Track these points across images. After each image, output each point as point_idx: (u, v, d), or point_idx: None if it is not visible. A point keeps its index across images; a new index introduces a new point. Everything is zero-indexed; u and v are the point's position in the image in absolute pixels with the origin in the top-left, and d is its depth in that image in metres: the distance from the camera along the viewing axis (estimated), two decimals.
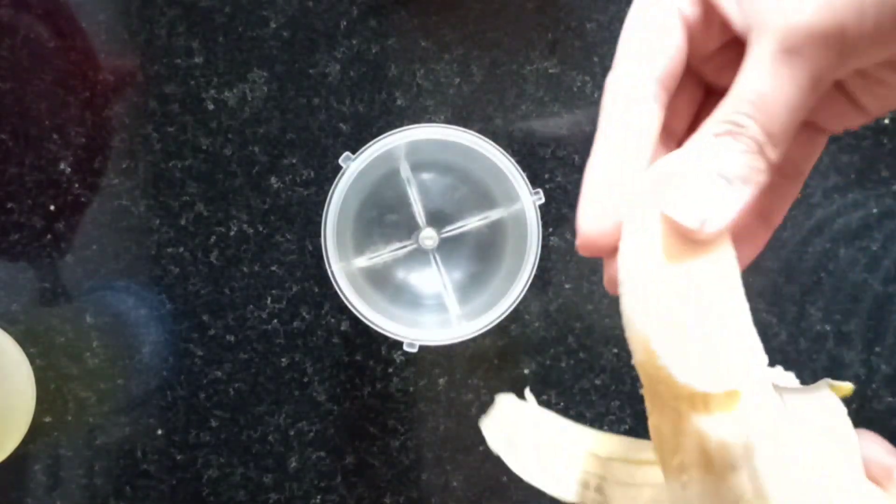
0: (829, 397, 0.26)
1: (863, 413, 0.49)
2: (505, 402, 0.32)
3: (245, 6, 0.48)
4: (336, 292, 0.42)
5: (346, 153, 0.42)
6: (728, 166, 0.23)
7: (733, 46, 0.26)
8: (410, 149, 0.44)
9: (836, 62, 0.23)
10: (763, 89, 0.23)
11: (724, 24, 0.25)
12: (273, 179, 0.48)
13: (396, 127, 0.44)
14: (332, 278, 0.42)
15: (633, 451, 0.29)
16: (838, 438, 0.25)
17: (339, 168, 0.42)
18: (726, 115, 0.24)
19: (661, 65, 0.25)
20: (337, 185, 0.42)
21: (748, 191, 0.23)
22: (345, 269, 0.43)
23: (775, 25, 0.23)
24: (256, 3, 0.48)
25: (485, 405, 0.48)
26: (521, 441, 0.31)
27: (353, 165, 0.42)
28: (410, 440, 0.48)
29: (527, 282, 0.42)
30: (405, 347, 0.42)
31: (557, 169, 0.49)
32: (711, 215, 0.23)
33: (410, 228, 0.46)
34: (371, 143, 0.42)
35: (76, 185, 0.48)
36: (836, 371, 0.48)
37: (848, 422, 0.25)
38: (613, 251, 0.25)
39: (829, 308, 0.49)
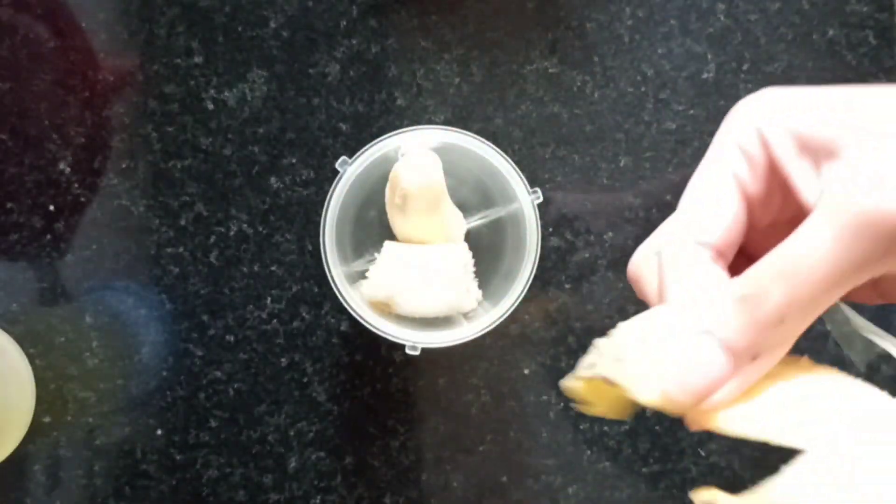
0: None
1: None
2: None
3: (245, 6, 0.48)
4: (336, 293, 0.42)
5: (343, 157, 0.42)
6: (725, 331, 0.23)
7: (781, 226, 0.26)
8: (407, 150, 0.44)
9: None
10: (809, 255, 0.22)
11: (783, 202, 0.25)
12: (273, 179, 0.48)
13: (397, 127, 0.44)
14: (332, 283, 0.42)
15: None
16: None
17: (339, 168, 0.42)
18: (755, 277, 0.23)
19: (720, 235, 0.26)
20: (334, 190, 0.42)
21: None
22: (345, 272, 0.43)
23: (857, 203, 0.22)
24: (256, 3, 0.48)
25: (485, 405, 0.48)
26: None
27: (350, 170, 0.42)
28: (410, 440, 0.48)
29: (527, 282, 0.42)
30: (407, 350, 0.42)
31: (557, 169, 0.49)
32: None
33: None
34: (368, 146, 0.42)
35: (76, 185, 0.48)
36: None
37: None
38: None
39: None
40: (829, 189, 0.22)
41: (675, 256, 0.26)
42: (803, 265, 0.22)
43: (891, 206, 0.21)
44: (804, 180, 0.24)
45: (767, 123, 0.25)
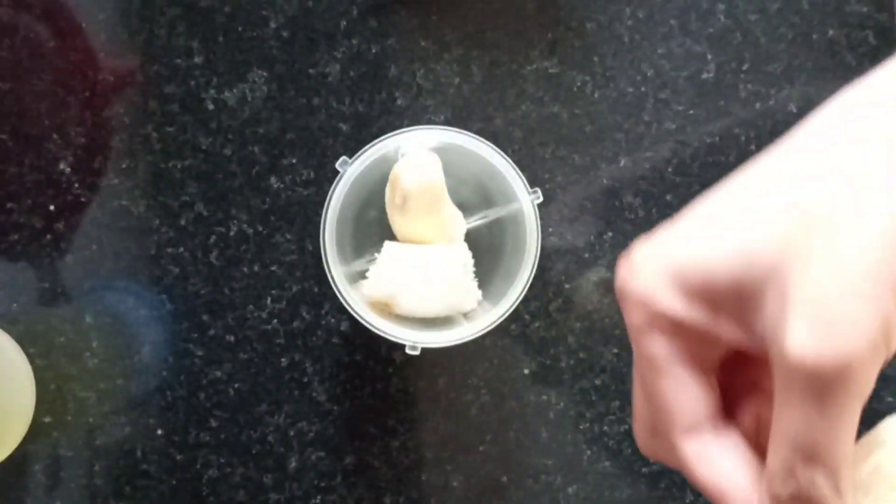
0: None
1: (862, 413, 0.48)
2: None
3: (245, 6, 0.48)
4: (336, 293, 0.42)
5: (343, 157, 0.42)
6: None
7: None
8: (407, 151, 0.44)
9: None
10: (805, 429, 0.21)
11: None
12: (273, 179, 0.48)
13: (397, 127, 0.44)
14: (332, 283, 0.42)
15: None
16: None
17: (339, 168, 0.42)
18: (781, 469, 0.21)
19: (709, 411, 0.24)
20: (334, 190, 0.42)
21: None
22: (345, 272, 0.43)
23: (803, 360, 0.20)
24: (256, 3, 0.48)
25: (485, 405, 0.48)
26: None
27: (350, 170, 0.42)
28: (410, 440, 0.48)
29: (527, 282, 0.42)
30: (408, 350, 0.42)
31: (557, 169, 0.49)
32: None
33: None
34: (368, 146, 0.42)
35: (76, 185, 0.48)
36: None
37: None
38: None
39: None
40: (777, 350, 0.21)
41: (693, 454, 0.24)
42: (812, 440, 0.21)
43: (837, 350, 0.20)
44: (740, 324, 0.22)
45: (660, 301, 0.23)
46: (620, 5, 0.49)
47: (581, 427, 0.48)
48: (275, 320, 0.48)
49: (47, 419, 0.47)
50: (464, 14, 0.49)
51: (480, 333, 0.42)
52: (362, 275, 0.44)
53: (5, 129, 0.48)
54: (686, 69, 0.49)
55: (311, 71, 0.48)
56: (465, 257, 0.44)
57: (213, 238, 0.48)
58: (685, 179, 0.49)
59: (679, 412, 0.24)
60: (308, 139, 0.48)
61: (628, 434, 0.48)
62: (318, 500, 0.48)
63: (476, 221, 0.46)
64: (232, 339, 0.48)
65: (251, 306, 0.48)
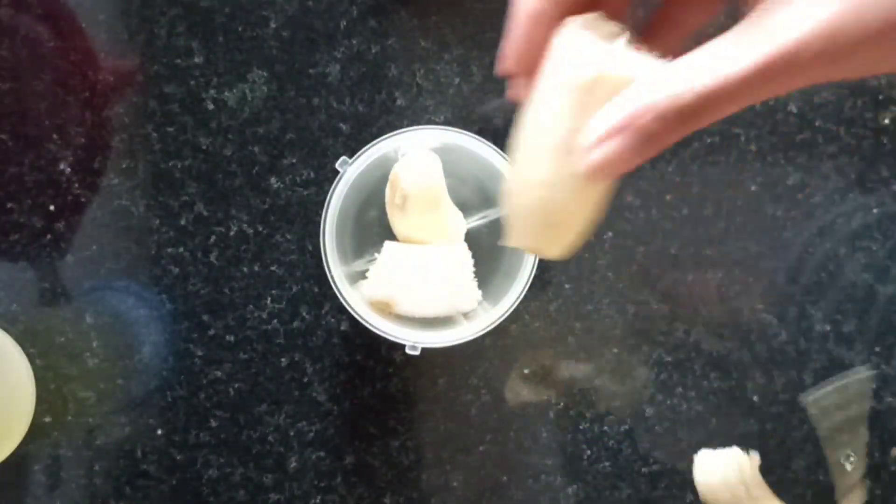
0: None
1: (857, 416, 0.48)
2: None
3: (245, 6, 0.48)
4: (336, 293, 0.42)
5: (343, 157, 0.42)
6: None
7: None
8: (407, 151, 0.44)
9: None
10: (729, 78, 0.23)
11: None
12: (273, 179, 0.48)
13: (397, 127, 0.44)
14: (332, 283, 0.42)
15: None
16: None
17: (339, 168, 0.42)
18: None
19: None
20: (334, 190, 0.42)
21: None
22: (345, 272, 0.43)
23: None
24: (256, 3, 0.48)
25: (485, 405, 0.48)
26: None
27: (350, 170, 0.42)
28: (410, 440, 0.48)
29: (527, 282, 0.42)
30: (408, 350, 0.42)
31: None
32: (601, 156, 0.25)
33: None
34: (368, 146, 0.42)
35: (76, 185, 0.48)
36: (835, 371, 0.48)
37: None
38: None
39: (829, 308, 0.49)
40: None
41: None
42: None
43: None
44: None
45: None
46: None
47: (581, 427, 0.48)
48: (275, 320, 0.48)
49: (47, 419, 0.47)
50: (464, 14, 0.49)
51: (480, 333, 0.42)
52: (362, 275, 0.44)
53: (5, 129, 0.48)
54: None
55: (311, 71, 0.48)
56: (465, 257, 0.44)
57: (213, 238, 0.48)
58: (685, 179, 0.49)
59: None
60: (308, 139, 0.48)
61: (628, 434, 0.48)
62: (318, 500, 0.48)
63: (476, 221, 0.46)
64: (232, 339, 0.48)
65: (251, 306, 0.48)
